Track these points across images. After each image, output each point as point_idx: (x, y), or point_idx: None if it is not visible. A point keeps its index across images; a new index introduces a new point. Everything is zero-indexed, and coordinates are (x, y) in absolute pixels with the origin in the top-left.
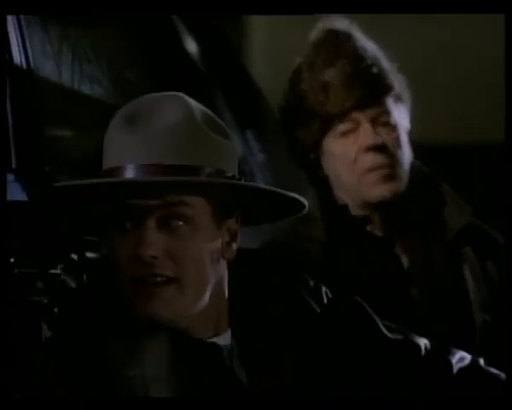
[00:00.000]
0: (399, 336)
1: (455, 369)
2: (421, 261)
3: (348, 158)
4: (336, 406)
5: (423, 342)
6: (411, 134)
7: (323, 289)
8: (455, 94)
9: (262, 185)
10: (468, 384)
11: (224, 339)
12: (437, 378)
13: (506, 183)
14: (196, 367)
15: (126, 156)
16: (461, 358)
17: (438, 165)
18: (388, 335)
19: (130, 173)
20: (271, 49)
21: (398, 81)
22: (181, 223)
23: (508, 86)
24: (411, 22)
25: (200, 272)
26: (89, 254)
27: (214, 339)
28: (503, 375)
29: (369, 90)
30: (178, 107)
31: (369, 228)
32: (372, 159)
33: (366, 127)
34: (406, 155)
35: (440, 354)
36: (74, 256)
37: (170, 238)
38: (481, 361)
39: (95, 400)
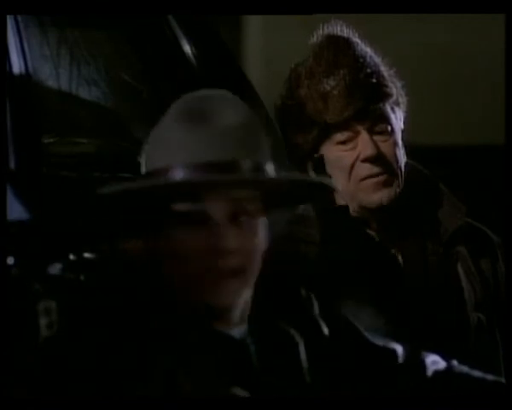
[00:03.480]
0: (379, 342)
1: (429, 371)
2: (416, 261)
3: (345, 166)
4: (324, 405)
5: (399, 348)
6: (409, 135)
7: (314, 299)
8: (453, 94)
9: (313, 178)
10: (442, 385)
11: (238, 333)
12: (412, 380)
13: (506, 183)
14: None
15: (191, 154)
16: (434, 361)
17: (434, 165)
18: (371, 340)
19: (198, 172)
20: (268, 51)
21: (395, 87)
22: (247, 217)
23: (508, 86)
24: (411, 23)
25: (258, 264)
26: (87, 255)
27: (229, 331)
28: (477, 373)
29: (369, 101)
30: (239, 106)
31: (364, 228)
32: (369, 168)
33: (364, 137)
34: (401, 157)
35: (415, 357)
36: (72, 257)
37: (240, 232)
38: (455, 363)
39: (95, 400)
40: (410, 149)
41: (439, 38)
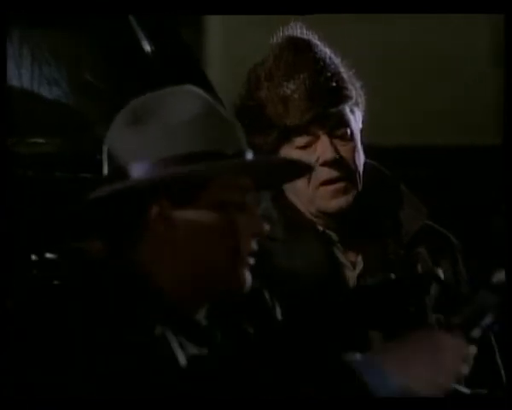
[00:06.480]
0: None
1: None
2: (376, 262)
3: None
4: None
5: (357, 354)
6: (374, 136)
7: (266, 294)
8: (433, 92)
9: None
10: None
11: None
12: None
13: (506, 182)
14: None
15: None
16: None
17: (396, 166)
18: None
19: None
20: (229, 52)
21: (355, 88)
22: None
23: (507, 86)
24: (412, 21)
25: None
26: (49, 255)
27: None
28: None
29: (328, 104)
30: (200, 96)
31: (322, 228)
32: (328, 172)
33: (324, 140)
34: (361, 160)
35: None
36: (34, 257)
37: None
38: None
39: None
40: (372, 151)
41: (430, 38)
